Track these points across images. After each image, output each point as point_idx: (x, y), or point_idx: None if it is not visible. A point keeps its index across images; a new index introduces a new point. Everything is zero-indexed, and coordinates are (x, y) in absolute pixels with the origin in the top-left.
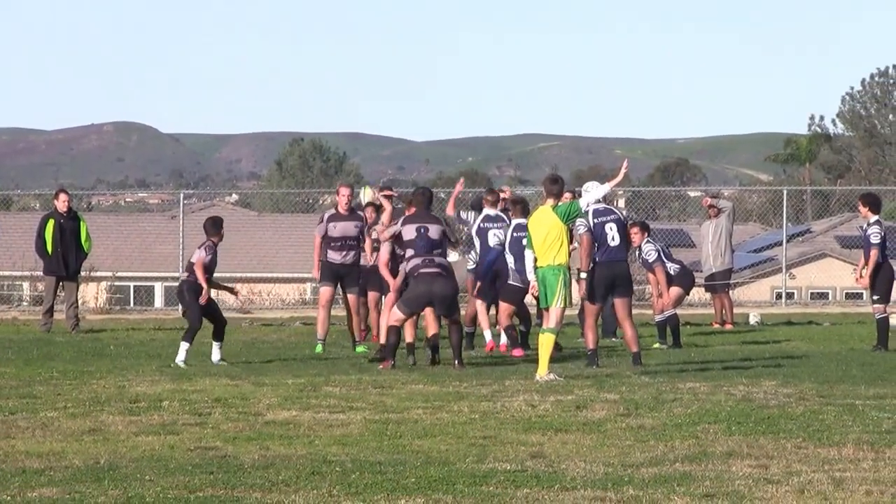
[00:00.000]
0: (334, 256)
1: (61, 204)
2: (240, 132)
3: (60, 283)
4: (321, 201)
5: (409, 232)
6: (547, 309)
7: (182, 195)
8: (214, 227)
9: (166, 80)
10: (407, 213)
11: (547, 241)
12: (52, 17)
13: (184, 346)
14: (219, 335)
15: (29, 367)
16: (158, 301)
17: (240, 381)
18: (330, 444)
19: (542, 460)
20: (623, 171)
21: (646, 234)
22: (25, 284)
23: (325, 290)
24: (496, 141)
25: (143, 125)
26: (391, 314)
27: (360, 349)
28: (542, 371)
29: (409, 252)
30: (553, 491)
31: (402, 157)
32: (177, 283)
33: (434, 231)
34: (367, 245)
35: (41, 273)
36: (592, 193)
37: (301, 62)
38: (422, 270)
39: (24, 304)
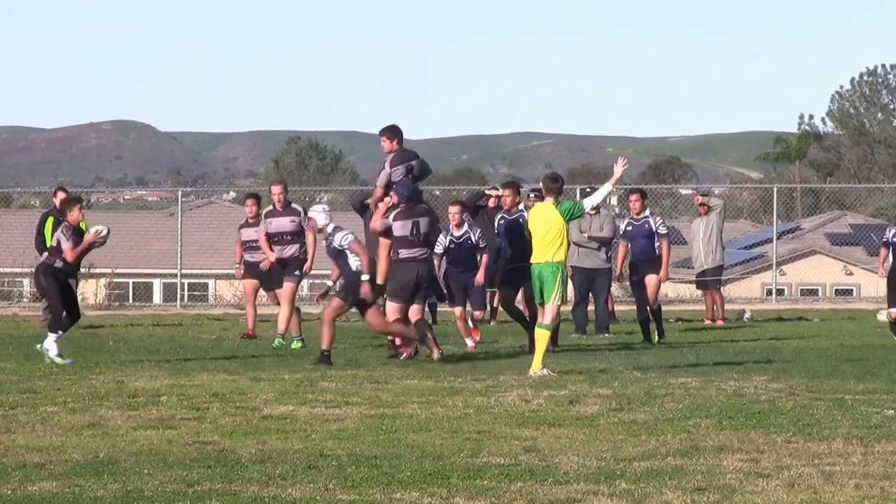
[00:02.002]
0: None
1: (60, 202)
2: (237, 130)
3: None
4: (318, 199)
5: (401, 228)
6: (542, 305)
7: (180, 193)
8: (71, 204)
9: (164, 80)
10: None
11: (547, 238)
12: (52, 17)
13: (52, 337)
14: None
15: (29, 363)
16: (157, 297)
17: (237, 376)
18: (326, 438)
19: (536, 454)
20: (621, 168)
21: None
22: (25, 281)
23: (249, 283)
24: (490, 139)
25: (141, 124)
26: (390, 315)
27: (277, 342)
28: (537, 366)
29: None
30: (546, 485)
31: None
32: (176, 280)
33: (424, 224)
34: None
35: None
36: (597, 194)
37: (297, 61)
38: (408, 254)
39: (25, 300)
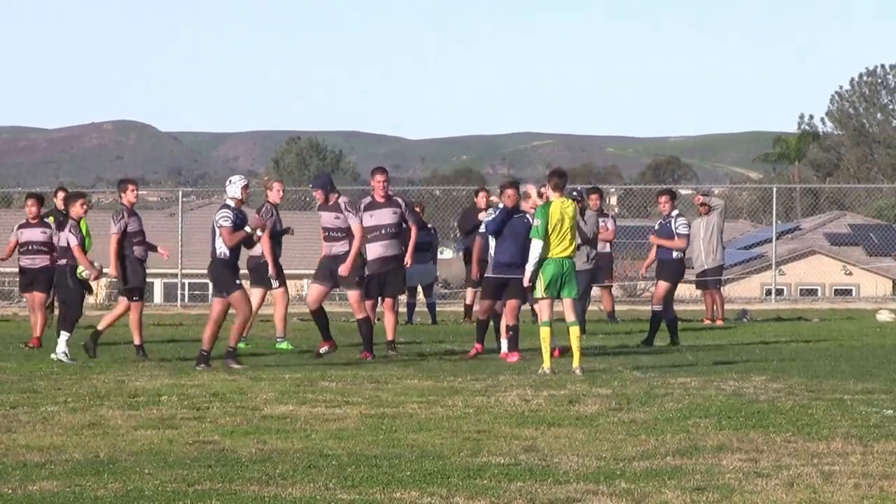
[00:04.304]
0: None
1: (59, 202)
2: (237, 130)
3: None
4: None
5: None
6: (548, 299)
7: (180, 193)
8: (74, 199)
9: (164, 80)
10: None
11: (567, 233)
12: (53, 17)
13: (65, 336)
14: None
15: (29, 363)
16: (157, 297)
17: (237, 376)
18: (326, 437)
19: (536, 454)
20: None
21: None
22: None
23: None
24: (490, 139)
25: (142, 124)
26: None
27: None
28: (577, 362)
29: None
30: (546, 484)
31: (398, 156)
32: (176, 280)
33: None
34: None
35: None
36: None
37: (297, 61)
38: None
39: (25, 300)
